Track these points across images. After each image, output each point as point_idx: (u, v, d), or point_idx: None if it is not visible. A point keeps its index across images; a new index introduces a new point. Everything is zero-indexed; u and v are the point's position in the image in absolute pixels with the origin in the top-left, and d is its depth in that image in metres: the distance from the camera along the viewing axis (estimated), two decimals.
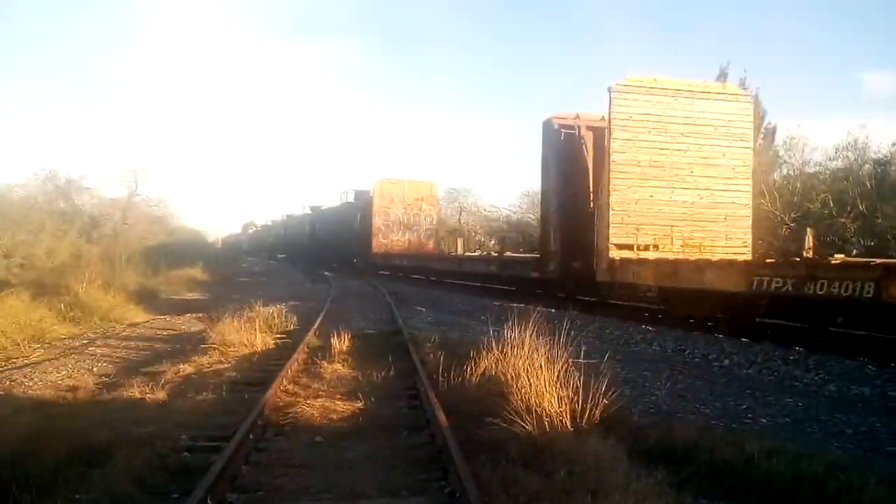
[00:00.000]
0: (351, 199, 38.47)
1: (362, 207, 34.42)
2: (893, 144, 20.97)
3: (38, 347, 11.56)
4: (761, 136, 28.44)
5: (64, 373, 9.24)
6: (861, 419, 6.15)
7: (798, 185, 20.97)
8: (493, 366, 7.14)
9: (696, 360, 9.40)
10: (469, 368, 7.16)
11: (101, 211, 35.83)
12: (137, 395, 7.08)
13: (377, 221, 32.06)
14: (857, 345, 9.32)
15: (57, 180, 33.52)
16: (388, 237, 32.29)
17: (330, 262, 41.83)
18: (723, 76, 28.54)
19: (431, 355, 8.52)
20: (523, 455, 4.91)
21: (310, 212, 49.90)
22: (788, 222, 19.95)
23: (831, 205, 19.27)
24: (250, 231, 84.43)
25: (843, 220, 18.98)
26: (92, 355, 10.68)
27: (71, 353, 10.81)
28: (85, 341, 12.32)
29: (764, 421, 6.09)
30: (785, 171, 24.15)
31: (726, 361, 9.08)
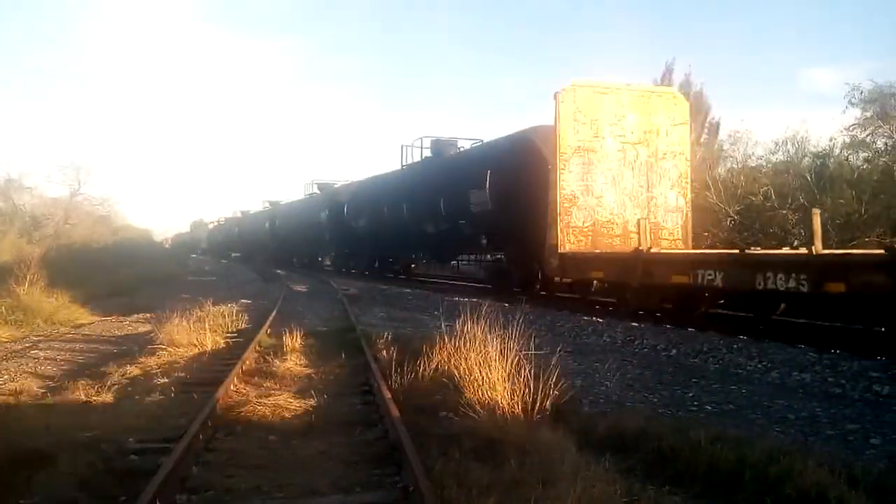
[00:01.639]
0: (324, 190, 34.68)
1: (419, 183, 21.93)
2: (831, 139, 21.64)
3: None
4: (706, 130, 29.08)
5: (6, 377, 8.97)
6: (802, 405, 6.35)
7: (741, 179, 21.46)
8: (447, 360, 7.17)
9: (645, 350, 9.58)
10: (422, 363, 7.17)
11: (43, 211, 34.85)
12: (83, 398, 6.92)
13: (568, 181, 14.08)
14: (798, 332, 9.61)
15: None
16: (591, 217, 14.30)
17: (291, 260, 40.46)
18: (668, 72, 29.20)
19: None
20: (476, 448, 4.95)
21: (269, 206, 47.34)
22: (733, 214, 20.42)
23: (773, 197, 19.78)
24: (210, 226, 78.09)
25: (784, 211, 19.51)
26: (35, 358, 10.38)
27: (13, 357, 10.49)
28: (28, 344, 11.97)
29: (709, 408, 6.25)
30: (729, 165, 24.68)
31: (674, 351, 9.27)
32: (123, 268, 30.08)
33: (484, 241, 18.04)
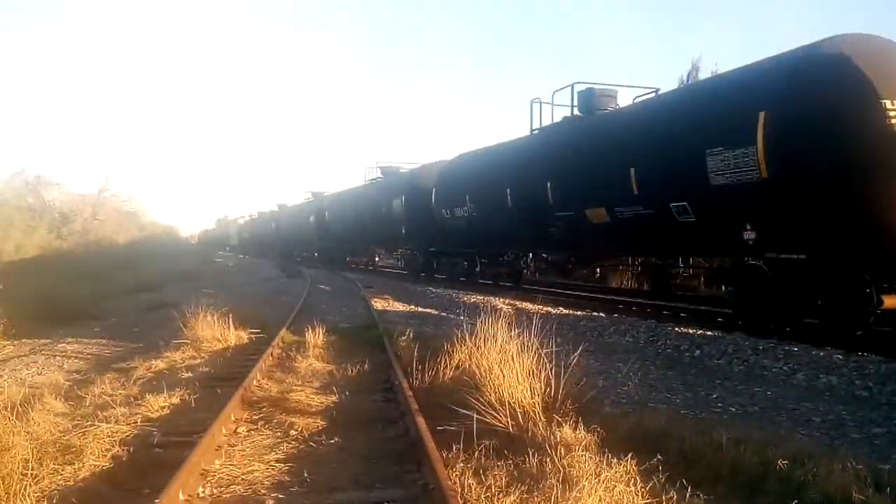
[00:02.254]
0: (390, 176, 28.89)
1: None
2: None
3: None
4: None
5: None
6: (828, 407, 6.27)
7: None
8: (467, 358, 7.16)
9: (668, 350, 9.50)
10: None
11: (71, 207, 35.35)
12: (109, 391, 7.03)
13: None
14: (824, 335, 9.45)
15: (25, 176, 33.03)
16: None
17: (343, 259, 36.77)
18: (695, 69, 28.88)
19: None
20: (496, 446, 4.95)
21: (313, 197, 42.45)
22: None
23: None
24: (241, 221, 74.18)
25: None
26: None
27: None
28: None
29: (733, 410, 6.19)
30: None
31: (697, 352, 9.18)
32: (150, 264, 30.49)
33: (749, 236, 10.16)
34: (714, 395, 6.75)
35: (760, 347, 8.94)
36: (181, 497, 4.04)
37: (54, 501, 4.06)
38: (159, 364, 8.68)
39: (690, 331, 10.35)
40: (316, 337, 9.69)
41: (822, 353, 8.41)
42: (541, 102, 16.07)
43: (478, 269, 20.78)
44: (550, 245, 16.27)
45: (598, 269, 18.32)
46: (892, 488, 3.84)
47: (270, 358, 8.74)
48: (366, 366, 8.09)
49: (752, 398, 6.63)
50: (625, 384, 7.18)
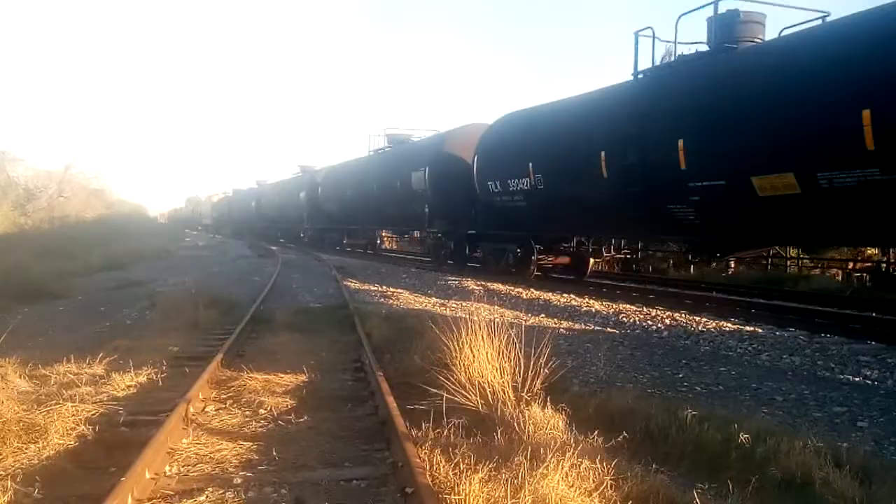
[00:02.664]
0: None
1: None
2: None
3: None
4: None
5: None
6: (791, 387, 6.39)
7: None
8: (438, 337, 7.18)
9: (637, 332, 9.60)
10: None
11: (37, 183, 34.63)
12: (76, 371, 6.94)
13: None
14: (789, 314, 9.65)
15: None
16: None
17: (341, 241, 31.89)
18: (667, 54, 28.92)
19: None
20: (465, 424, 4.98)
21: (301, 172, 37.06)
22: None
23: None
24: (215, 199, 70.30)
25: None
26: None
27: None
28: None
29: (698, 389, 6.28)
30: None
31: (665, 333, 9.30)
32: (118, 242, 30.01)
33: None
34: (680, 375, 6.84)
35: (726, 329, 9.09)
36: (147, 476, 4.02)
37: (18, 480, 4.00)
38: (125, 343, 8.58)
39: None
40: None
41: (786, 335, 8.57)
42: (653, 35, 12.05)
43: (534, 258, 16.02)
44: (672, 229, 11.79)
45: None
46: (852, 465, 3.93)
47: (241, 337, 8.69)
48: None
49: (717, 378, 6.74)
50: (593, 364, 7.25)
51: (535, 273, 16.13)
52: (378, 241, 30.85)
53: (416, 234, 25.49)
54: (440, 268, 20.31)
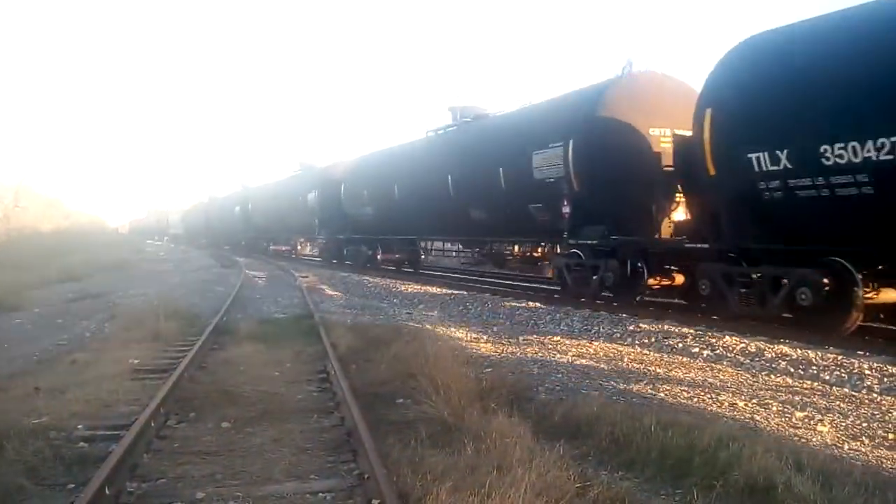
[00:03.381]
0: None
1: None
2: None
3: None
4: None
5: None
6: (752, 391, 6.48)
7: None
8: (404, 347, 7.18)
9: (602, 338, 9.68)
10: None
11: None
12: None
13: None
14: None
15: None
16: None
17: (340, 253, 27.79)
18: (629, 65, 29.31)
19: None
20: (432, 434, 4.97)
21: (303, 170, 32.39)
22: None
23: None
24: (187, 207, 65.39)
25: None
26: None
27: None
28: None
29: (662, 396, 6.34)
30: None
31: (629, 339, 9.39)
32: (75, 253, 29.41)
33: None
34: (644, 382, 6.90)
35: (689, 334, 9.21)
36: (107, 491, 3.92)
37: None
38: (84, 357, 8.40)
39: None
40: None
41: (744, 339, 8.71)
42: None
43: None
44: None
45: None
46: (812, 469, 4.00)
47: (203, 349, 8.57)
48: None
49: (681, 384, 6.81)
50: (557, 371, 7.28)
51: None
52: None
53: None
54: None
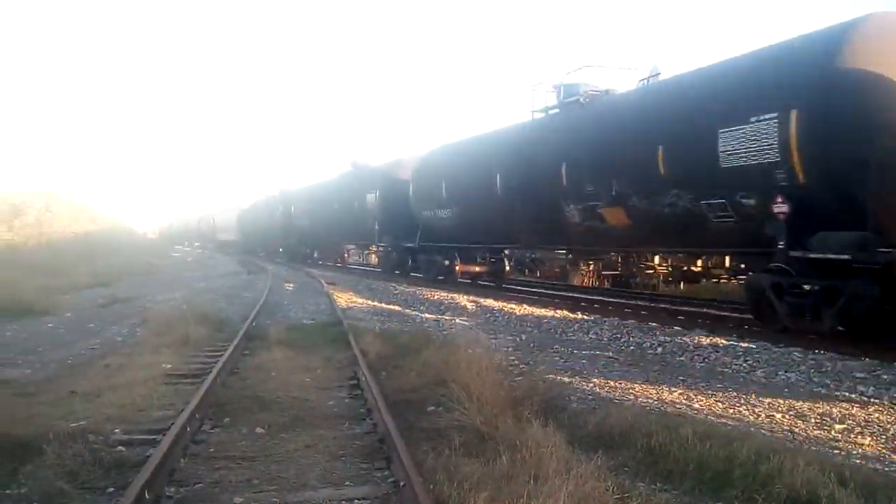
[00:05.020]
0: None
1: None
2: None
3: None
4: None
5: None
6: (790, 403, 6.39)
7: None
8: (434, 354, 7.17)
9: (631, 348, 9.61)
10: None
11: (24, 199, 34.41)
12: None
13: None
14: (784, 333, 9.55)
15: None
16: None
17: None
18: (655, 72, 29.14)
19: None
20: (465, 443, 4.96)
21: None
22: None
23: None
24: (244, 207, 50.38)
25: None
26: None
27: None
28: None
29: (697, 406, 6.27)
30: None
31: (659, 349, 9.30)
32: (104, 258, 29.77)
33: None
34: (678, 392, 6.83)
35: (720, 345, 9.11)
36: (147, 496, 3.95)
37: None
38: (117, 361, 8.49)
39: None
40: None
41: (780, 351, 8.59)
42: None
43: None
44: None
45: None
46: (855, 483, 3.93)
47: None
48: None
49: (715, 395, 6.73)
50: (590, 380, 7.23)
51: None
52: (346, 255, 32.35)
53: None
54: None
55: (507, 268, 20.19)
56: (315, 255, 34.19)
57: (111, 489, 4.21)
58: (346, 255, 33.24)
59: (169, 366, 8.10)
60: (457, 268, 19.48)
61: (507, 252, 19.52)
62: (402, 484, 4.27)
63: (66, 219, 38.70)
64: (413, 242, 21.76)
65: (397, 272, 23.42)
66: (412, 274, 22.37)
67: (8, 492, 4.10)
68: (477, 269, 19.73)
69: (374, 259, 31.23)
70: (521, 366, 7.85)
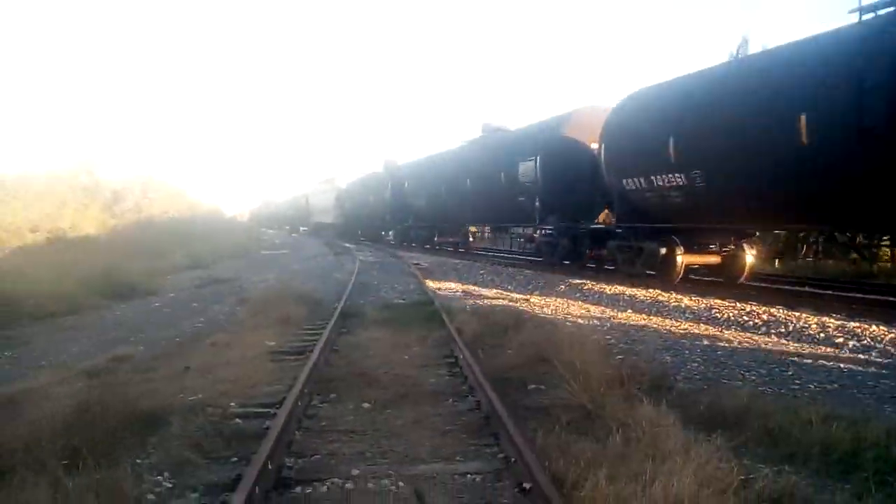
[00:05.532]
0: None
1: None
2: None
3: None
4: None
5: None
6: None
7: None
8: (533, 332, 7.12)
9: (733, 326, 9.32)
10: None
11: (123, 185, 35.98)
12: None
13: None
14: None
15: (79, 155, 33.73)
16: None
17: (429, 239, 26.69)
18: (744, 43, 28.05)
19: None
20: (574, 420, 4.91)
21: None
22: None
23: None
24: (345, 185, 44.74)
25: None
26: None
27: None
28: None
29: (812, 387, 6.03)
30: None
31: (764, 328, 9.00)
32: (199, 241, 30.86)
33: None
34: (790, 373, 6.58)
35: (829, 324, 8.74)
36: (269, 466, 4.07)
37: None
38: (223, 338, 8.78)
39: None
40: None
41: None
42: None
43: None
44: None
45: None
46: None
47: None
48: None
49: (830, 375, 6.46)
50: (693, 360, 7.06)
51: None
52: (469, 238, 27.26)
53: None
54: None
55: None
56: (435, 238, 29.27)
57: (234, 459, 4.36)
58: (471, 239, 28.25)
59: (272, 343, 8.34)
60: (678, 259, 13.48)
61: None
62: (512, 460, 4.26)
63: (163, 203, 40.30)
64: (598, 223, 16.51)
65: (566, 262, 18.11)
66: (587, 266, 17.46)
67: (139, 461, 4.29)
68: (711, 259, 14.01)
69: (508, 244, 26.69)
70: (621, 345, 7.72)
